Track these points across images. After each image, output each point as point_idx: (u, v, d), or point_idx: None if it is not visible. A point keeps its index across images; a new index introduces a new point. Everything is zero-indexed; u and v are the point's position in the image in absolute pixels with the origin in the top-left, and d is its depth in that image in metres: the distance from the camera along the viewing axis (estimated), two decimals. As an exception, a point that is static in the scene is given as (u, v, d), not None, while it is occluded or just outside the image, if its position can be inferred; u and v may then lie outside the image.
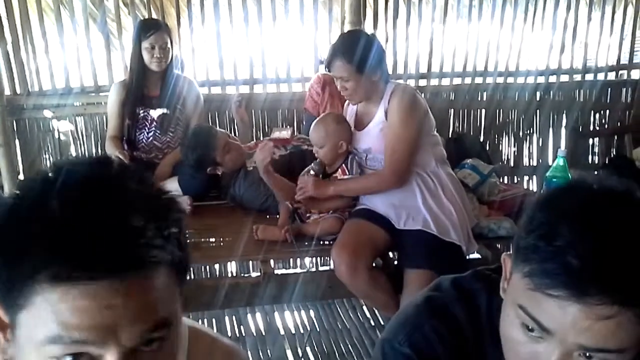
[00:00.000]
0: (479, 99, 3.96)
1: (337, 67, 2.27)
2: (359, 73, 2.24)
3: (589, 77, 4.13)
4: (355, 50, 2.22)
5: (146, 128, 3.07)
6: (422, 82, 3.83)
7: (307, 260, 2.53)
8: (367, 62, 2.24)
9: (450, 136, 3.78)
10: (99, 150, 3.46)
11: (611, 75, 4.19)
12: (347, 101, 2.54)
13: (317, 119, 2.55)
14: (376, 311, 2.94)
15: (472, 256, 2.42)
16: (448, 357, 0.94)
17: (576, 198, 0.78)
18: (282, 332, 2.87)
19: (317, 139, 2.46)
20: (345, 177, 2.44)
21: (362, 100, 2.37)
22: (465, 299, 0.95)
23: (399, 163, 2.28)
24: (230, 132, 3.56)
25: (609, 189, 0.78)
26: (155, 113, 3.05)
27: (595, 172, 3.78)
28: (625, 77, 4.22)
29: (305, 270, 2.45)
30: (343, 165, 2.47)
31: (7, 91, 3.30)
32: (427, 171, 2.35)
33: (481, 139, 3.93)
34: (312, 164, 2.46)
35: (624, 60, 4.17)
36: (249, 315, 2.98)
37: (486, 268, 1.00)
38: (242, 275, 3.09)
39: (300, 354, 2.72)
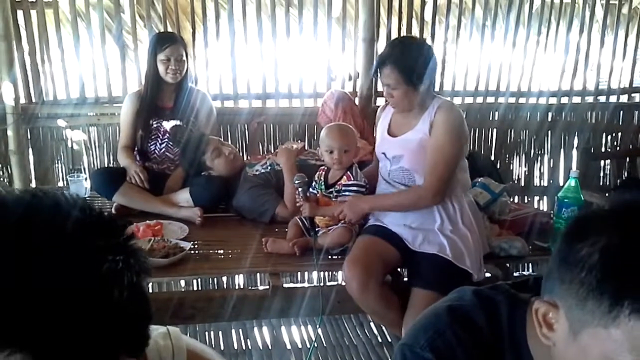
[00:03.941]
0: (491, 118, 3.96)
1: (385, 74, 2.20)
2: (407, 83, 2.17)
3: (601, 99, 4.14)
4: (407, 59, 2.16)
5: (159, 139, 3.08)
6: (434, 101, 3.83)
7: (315, 274, 2.52)
8: (417, 73, 2.16)
9: (461, 155, 3.78)
10: (112, 160, 3.49)
11: (623, 98, 4.18)
12: (382, 104, 2.52)
13: (337, 125, 2.57)
14: (384, 328, 2.92)
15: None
16: None
17: None
18: (288, 346, 2.85)
19: (345, 142, 2.46)
20: (380, 194, 2.42)
21: (406, 110, 2.30)
22: (487, 307, 0.95)
23: (439, 180, 2.21)
24: (242, 145, 3.61)
25: None
26: (167, 125, 3.07)
27: (607, 195, 3.76)
28: (637, 99, 4.23)
29: (313, 285, 2.42)
30: (348, 172, 2.49)
31: (22, 99, 3.35)
32: (450, 197, 2.30)
33: (492, 158, 3.93)
34: (296, 183, 2.45)
35: (637, 83, 4.18)
36: (255, 329, 2.96)
37: (505, 283, 1.00)
38: (250, 287, 3.08)
39: (306, 370, 2.70)
